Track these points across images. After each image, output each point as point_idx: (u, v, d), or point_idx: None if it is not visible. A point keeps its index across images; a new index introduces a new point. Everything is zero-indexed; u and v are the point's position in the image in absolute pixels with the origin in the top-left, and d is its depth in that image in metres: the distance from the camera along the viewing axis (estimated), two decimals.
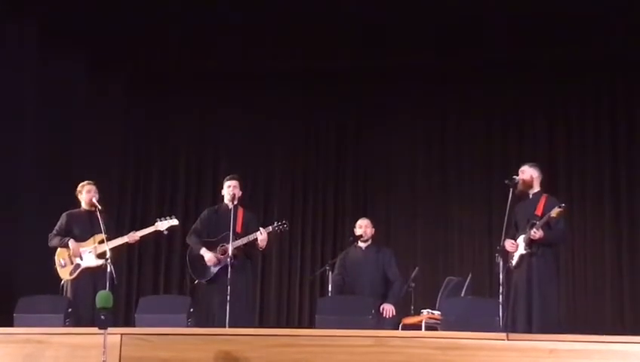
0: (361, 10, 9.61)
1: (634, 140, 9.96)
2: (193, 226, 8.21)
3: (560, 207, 7.52)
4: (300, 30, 9.92)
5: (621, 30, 9.41)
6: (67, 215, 8.13)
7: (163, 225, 8.06)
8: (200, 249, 7.93)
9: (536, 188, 7.89)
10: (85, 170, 9.72)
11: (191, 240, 8.09)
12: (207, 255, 7.87)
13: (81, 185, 8.17)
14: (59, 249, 8.00)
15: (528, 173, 7.88)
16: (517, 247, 7.64)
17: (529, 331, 7.33)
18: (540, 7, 9.29)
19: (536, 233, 7.50)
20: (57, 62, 9.89)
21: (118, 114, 10.85)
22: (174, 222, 8.10)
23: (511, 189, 7.70)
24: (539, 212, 7.74)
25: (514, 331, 6.91)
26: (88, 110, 10.28)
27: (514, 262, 7.65)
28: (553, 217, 7.54)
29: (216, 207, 8.31)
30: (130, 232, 8.12)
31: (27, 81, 9.64)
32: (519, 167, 7.92)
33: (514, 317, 7.48)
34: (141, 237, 8.10)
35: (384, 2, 9.50)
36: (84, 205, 8.12)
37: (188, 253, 8.11)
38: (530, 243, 7.58)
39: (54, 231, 8.07)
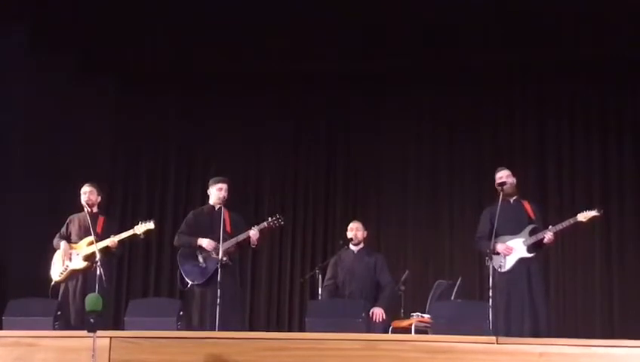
0: (353, 12, 9.61)
1: (624, 147, 9.97)
2: (179, 229, 8.21)
3: (599, 212, 7.57)
4: (290, 32, 9.92)
5: (612, 33, 9.42)
6: (70, 218, 8.25)
7: (140, 228, 8.06)
8: (196, 240, 7.92)
9: (515, 194, 7.96)
10: (75, 171, 9.72)
11: (180, 239, 8.08)
12: (205, 241, 7.87)
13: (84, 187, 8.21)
14: (57, 250, 8.08)
15: (512, 177, 7.94)
16: (512, 251, 7.66)
17: (536, 333, 7.36)
18: (530, 8, 9.32)
19: (552, 237, 7.55)
20: (47, 62, 9.86)
21: (107, 114, 10.83)
22: (151, 225, 8.08)
23: (501, 193, 7.74)
24: (532, 216, 7.80)
25: (510, 334, 6.94)
26: (78, 110, 10.26)
27: (507, 265, 7.66)
28: (582, 221, 7.60)
29: (201, 209, 8.30)
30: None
31: (16, 80, 9.62)
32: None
33: (509, 319, 7.50)
34: (120, 241, 8.09)
35: (377, 5, 9.50)
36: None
37: (178, 255, 8.09)
38: (535, 247, 7.61)
39: (58, 234, 8.18)
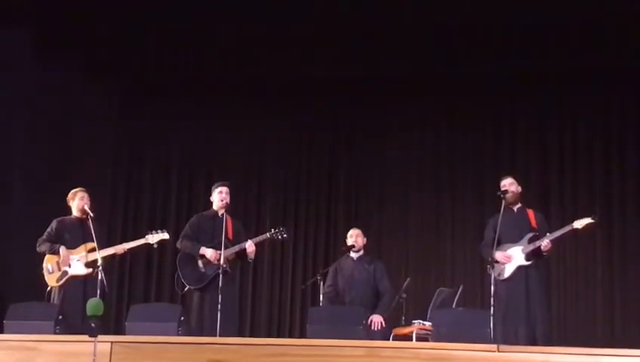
0: (356, 20, 9.63)
1: (627, 154, 9.98)
2: (183, 232, 8.17)
3: (594, 219, 7.58)
4: (293, 40, 9.94)
5: (615, 40, 9.43)
6: (58, 221, 8.06)
7: (154, 238, 8.01)
8: (199, 248, 7.90)
9: (519, 203, 7.96)
10: (77, 177, 9.70)
11: (184, 244, 8.05)
12: (209, 251, 7.84)
13: (72, 191, 8.13)
14: (48, 254, 7.93)
15: (515, 185, 7.94)
16: (511, 259, 7.66)
17: (532, 340, 7.35)
18: (530, 17, 9.33)
19: (549, 244, 7.56)
20: (52, 69, 9.86)
21: (111, 121, 10.84)
22: (165, 236, 8.05)
23: (503, 201, 7.74)
24: (534, 225, 7.80)
25: (507, 342, 6.92)
26: (81, 117, 10.26)
27: (506, 273, 7.66)
28: (578, 229, 7.61)
29: (204, 213, 8.29)
30: (122, 243, 8.09)
31: (21, 87, 9.62)
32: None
33: (507, 328, 7.49)
34: (129, 249, 8.06)
35: (377, 13, 9.51)
36: (75, 212, 8.07)
37: (178, 258, 8.08)
38: (533, 254, 7.62)
39: (44, 237, 7.99)
